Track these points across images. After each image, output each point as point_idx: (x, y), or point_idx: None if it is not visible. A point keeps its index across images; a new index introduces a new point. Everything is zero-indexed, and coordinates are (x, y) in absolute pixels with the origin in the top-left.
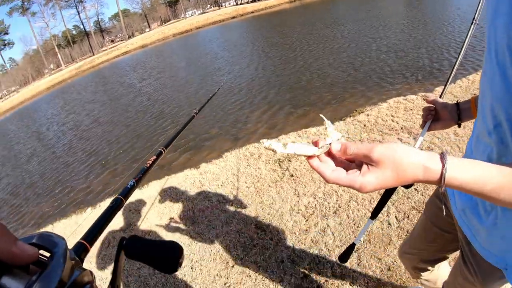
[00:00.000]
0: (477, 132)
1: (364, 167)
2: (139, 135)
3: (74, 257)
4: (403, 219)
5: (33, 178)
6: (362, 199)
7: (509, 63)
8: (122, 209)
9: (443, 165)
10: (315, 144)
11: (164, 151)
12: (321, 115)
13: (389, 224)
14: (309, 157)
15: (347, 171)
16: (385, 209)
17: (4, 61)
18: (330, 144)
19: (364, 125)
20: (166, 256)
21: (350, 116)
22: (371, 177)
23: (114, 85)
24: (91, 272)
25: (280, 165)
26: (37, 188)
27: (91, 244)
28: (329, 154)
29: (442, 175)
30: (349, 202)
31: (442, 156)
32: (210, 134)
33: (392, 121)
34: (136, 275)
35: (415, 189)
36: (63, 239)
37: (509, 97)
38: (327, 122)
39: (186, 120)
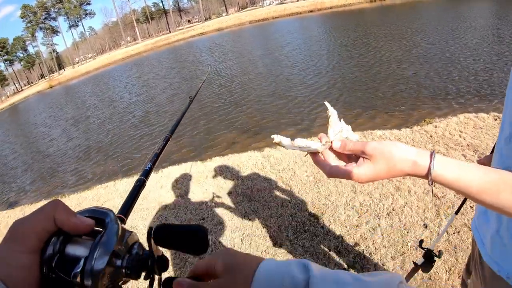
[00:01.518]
0: (498, 139)
1: (360, 160)
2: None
3: (121, 222)
4: (453, 233)
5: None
6: (417, 206)
7: None
8: (184, 179)
9: (431, 161)
10: (320, 139)
11: (170, 137)
12: (325, 102)
13: (438, 235)
14: (312, 154)
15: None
16: (437, 220)
17: (84, 29)
18: (331, 141)
19: (431, 136)
20: (192, 241)
21: (417, 125)
22: (365, 168)
23: (190, 64)
24: (135, 234)
25: None
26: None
27: (126, 217)
28: (331, 148)
29: (429, 170)
30: (404, 207)
31: (432, 154)
32: (277, 122)
33: (460, 136)
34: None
35: (471, 207)
36: (111, 210)
37: None
38: (331, 110)
39: (184, 108)
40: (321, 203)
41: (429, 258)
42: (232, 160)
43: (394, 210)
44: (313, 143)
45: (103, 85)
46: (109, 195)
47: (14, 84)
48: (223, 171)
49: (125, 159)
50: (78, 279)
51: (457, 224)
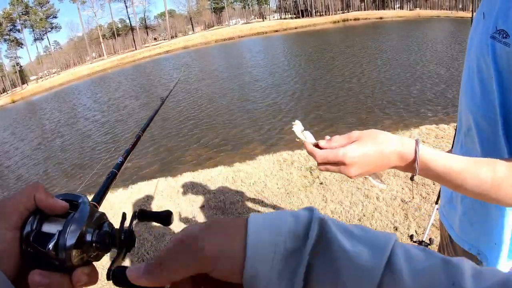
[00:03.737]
0: (457, 133)
1: (348, 142)
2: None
3: (92, 206)
4: (422, 233)
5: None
6: (386, 211)
7: (476, 78)
8: (156, 194)
9: (417, 143)
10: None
11: (141, 134)
12: (295, 122)
13: (409, 236)
14: (306, 144)
15: None
16: (406, 222)
17: (49, 43)
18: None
19: None
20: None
21: None
22: (353, 146)
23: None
24: (106, 215)
25: (311, 172)
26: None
27: (99, 204)
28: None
29: (416, 149)
30: (373, 212)
31: (416, 140)
32: (245, 137)
33: None
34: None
35: (437, 209)
36: (84, 194)
37: (475, 104)
38: (299, 129)
39: (156, 107)
40: None
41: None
42: (203, 175)
43: (364, 216)
44: (309, 135)
45: (68, 101)
46: None
47: None
48: (194, 186)
49: (89, 178)
50: (53, 252)
51: (425, 224)
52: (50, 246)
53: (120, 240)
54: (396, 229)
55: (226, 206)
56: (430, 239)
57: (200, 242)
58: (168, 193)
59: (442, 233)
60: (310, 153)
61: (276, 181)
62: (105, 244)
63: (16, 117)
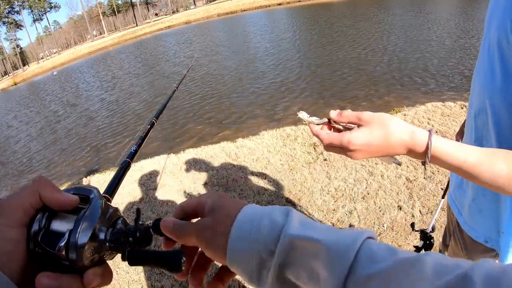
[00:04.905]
0: (467, 117)
1: (355, 127)
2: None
3: (105, 200)
4: (427, 213)
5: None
6: (390, 189)
7: (497, 58)
8: (158, 171)
9: (430, 133)
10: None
11: (155, 121)
12: (299, 112)
13: (413, 216)
14: (310, 125)
15: None
16: (411, 201)
17: (49, 23)
18: (328, 119)
19: None
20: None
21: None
22: (359, 133)
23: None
24: (119, 210)
25: (315, 148)
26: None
27: (112, 197)
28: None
29: (428, 143)
30: (378, 190)
31: (430, 130)
32: (249, 113)
33: (428, 123)
34: None
35: (441, 189)
36: (96, 187)
37: (493, 86)
38: (305, 116)
39: (169, 95)
40: (297, 189)
41: (426, 238)
42: (206, 151)
43: (369, 194)
44: (314, 118)
45: (71, 81)
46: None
47: None
48: (197, 163)
49: (92, 157)
50: (63, 252)
51: (429, 205)
52: (60, 246)
53: (135, 238)
54: (400, 208)
55: (229, 183)
56: (433, 227)
57: (196, 231)
58: (171, 170)
59: (449, 218)
60: (315, 135)
61: (279, 157)
62: (120, 243)
63: (19, 99)
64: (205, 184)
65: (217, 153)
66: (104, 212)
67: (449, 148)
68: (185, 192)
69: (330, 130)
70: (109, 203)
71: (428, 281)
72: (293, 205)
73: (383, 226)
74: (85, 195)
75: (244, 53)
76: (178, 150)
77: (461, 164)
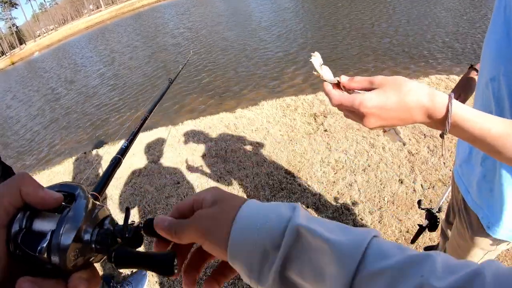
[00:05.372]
0: (478, 85)
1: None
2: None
3: (92, 198)
4: (428, 188)
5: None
6: (392, 162)
7: None
8: (157, 144)
9: (450, 99)
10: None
11: (148, 116)
12: (314, 54)
13: (414, 190)
14: (324, 82)
15: None
16: (412, 175)
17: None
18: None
19: None
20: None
21: None
22: (372, 94)
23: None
24: (107, 208)
25: (315, 119)
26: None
27: (101, 195)
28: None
29: (449, 104)
30: (379, 163)
31: (450, 95)
32: (247, 83)
33: None
34: (163, 203)
35: (444, 163)
36: (81, 184)
37: (509, 52)
38: (318, 63)
39: (164, 88)
40: (297, 160)
41: (432, 218)
42: (204, 122)
43: (369, 166)
44: (331, 75)
45: (68, 57)
46: (80, 167)
47: None
48: (195, 134)
49: (94, 130)
50: (45, 255)
51: (431, 179)
52: (41, 248)
53: (123, 239)
54: (402, 182)
55: (227, 154)
56: (440, 207)
57: (196, 223)
58: (169, 142)
59: (454, 195)
60: (327, 94)
61: (279, 127)
62: (106, 245)
63: (18, 79)
64: (204, 156)
65: (216, 124)
66: (90, 211)
67: (471, 115)
68: (183, 164)
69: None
70: (96, 201)
71: (439, 277)
72: (292, 176)
73: (384, 200)
74: (70, 192)
75: (245, 24)
76: (176, 122)
77: (484, 133)
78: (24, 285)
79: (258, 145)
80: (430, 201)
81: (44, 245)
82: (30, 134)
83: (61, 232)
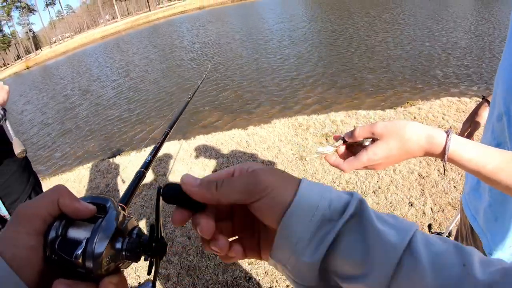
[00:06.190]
0: (489, 116)
1: (370, 143)
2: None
3: (121, 210)
4: (438, 211)
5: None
6: (402, 185)
7: None
8: (168, 157)
9: (448, 135)
10: (335, 138)
11: (169, 132)
12: (318, 148)
13: (424, 213)
14: (326, 156)
15: None
16: (422, 198)
17: (62, 7)
18: (343, 138)
19: (414, 117)
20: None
21: (401, 107)
22: (376, 148)
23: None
24: (136, 219)
25: (327, 139)
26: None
27: (127, 206)
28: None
29: (446, 146)
30: (389, 185)
31: (448, 131)
32: (260, 100)
33: (443, 118)
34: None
35: (454, 187)
36: (112, 197)
37: None
38: (320, 148)
39: (182, 106)
40: None
41: None
42: (216, 138)
43: (380, 188)
44: (328, 147)
45: (84, 65)
46: (91, 176)
47: None
48: (207, 150)
49: (104, 141)
50: (80, 260)
51: (441, 202)
52: (77, 254)
53: (151, 249)
54: (412, 205)
55: None
56: (450, 232)
57: (260, 175)
58: (181, 156)
59: (463, 220)
60: (335, 166)
61: (290, 146)
62: (136, 253)
63: (31, 84)
64: (215, 172)
65: (228, 140)
66: (121, 222)
67: (467, 153)
68: None
69: (347, 149)
70: (124, 212)
71: (478, 268)
72: None
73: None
74: (101, 204)
75: (260, 42)
76: (188, 136)
77: (480, 169)
78: (60, 286)
79: (270, 163)
80: (440, 224)
81: (80, 251)
82: (42, 140)
83: (95, 239)
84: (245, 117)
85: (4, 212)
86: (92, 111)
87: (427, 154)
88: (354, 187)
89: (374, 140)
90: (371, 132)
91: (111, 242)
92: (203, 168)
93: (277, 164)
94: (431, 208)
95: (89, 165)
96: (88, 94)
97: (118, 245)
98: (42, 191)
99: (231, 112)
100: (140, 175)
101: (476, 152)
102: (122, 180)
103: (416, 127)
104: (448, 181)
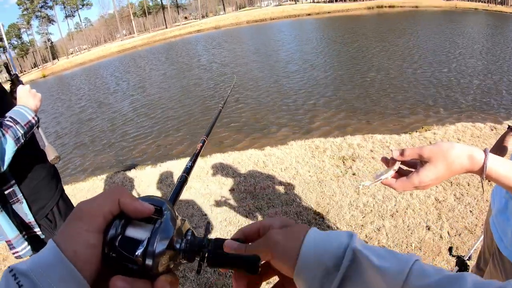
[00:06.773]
0: None
1: (419, 167)
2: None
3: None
4: (455, 235)
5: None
6: (419, 209)
7: None
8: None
9: (486, 155)
10: (386, 163)
11: (206, 139)
12: (364, 182)
13: (441, 237)
14: (382, 181)
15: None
16: (439, 222)
17: (80, 20)
18: (396, 165)
19: (430, 142)
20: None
21: (416, 131)
22: (427, 172)
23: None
24: (188, 222)
25: (344, 162)
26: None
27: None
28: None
29: (484, 163)
30: (406, 209)
31: (485, 150)
32: (277, 122)
33: None
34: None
35: (470, 211)
36: (167, 200)
37: None
38: (383, 176)
39: (216, 115)
40: (326, 202)
41: (462, 265)
42: (233, 157)
43: (397, 212)
44: (389, 172)
45: (101, 78)
46: (105, 187)
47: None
48: (224, 168)
49: (120, 154)
50: (140, 258)
51: (458, 226)
52: (139, 252)
53: (207, 250)
54: (429, 229)
55: (256, 191)
56: (470, 256)
57: (272, 237)
58: (197, 174)
59: (487, 243)
60: (387, 185)
61: (308, 168)
62: (193, 253)
63: (47, 92)
64: (232, 190)
65: (245, 160)
66: (178, 224)
67: (503, 170)
68: (212, 196)
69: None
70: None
71: None
72: (321, 217)
73: (411, 246)
74: (157, 205)
75: (279, 65)
76: (204, 154)
77: None
78: (119, 282)
79: (288, 184)
80: (457, 248)
81: (141, 250)
82: (59, 148)
83: (156, 239)
84: (261, 137)
85: (31, 219)
86: (108, 125)
87: (468, 171)
88: (371, 210)
89: (422, 162)
90: (420, 155)
91: (171, 242)
92: (220, 187)
93: (295, 185)
94: (448, 232)
95: (104, 176)
96: (104, 107)
97: (177, 246)
98: (69, 198)
99: (247, 132)
100: (183, 179)
101: (511, 169)
102: (138, 193)
103: (459, 149)
104: (465, 205)
